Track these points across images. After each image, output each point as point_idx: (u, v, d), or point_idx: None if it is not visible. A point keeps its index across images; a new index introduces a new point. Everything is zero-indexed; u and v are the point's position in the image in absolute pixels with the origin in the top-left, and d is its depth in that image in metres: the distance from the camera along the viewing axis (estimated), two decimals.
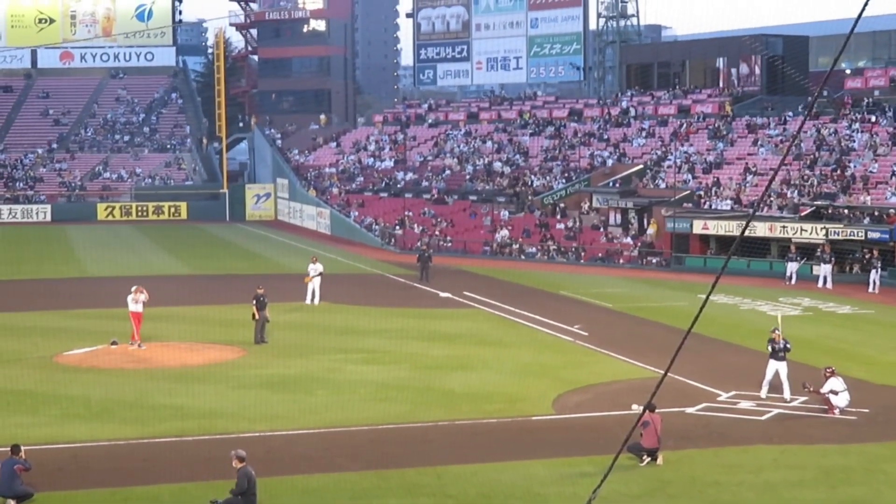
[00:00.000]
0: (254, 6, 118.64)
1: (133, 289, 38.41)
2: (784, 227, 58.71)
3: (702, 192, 66.97)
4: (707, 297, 16.51)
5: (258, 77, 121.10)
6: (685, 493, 22.99)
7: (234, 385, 32.33)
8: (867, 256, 55.97)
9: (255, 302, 38.77)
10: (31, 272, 59.69)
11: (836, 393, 28.81)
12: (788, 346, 30.54)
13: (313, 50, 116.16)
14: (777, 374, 30.31)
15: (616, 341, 39.10)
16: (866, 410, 29.07)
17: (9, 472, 21.30)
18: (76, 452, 25.46)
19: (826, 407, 28.90)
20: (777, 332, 30.73)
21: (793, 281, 55.92)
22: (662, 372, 17.99)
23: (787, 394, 30.11)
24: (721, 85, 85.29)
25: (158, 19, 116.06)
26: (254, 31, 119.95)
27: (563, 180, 76.64)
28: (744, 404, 29.92)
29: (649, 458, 24.44)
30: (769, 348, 30.61)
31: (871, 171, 63.36)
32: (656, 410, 24.55)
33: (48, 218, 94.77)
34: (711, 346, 37.43)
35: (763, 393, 30.40)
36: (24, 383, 32.04)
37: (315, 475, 23.91)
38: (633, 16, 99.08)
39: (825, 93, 75.17)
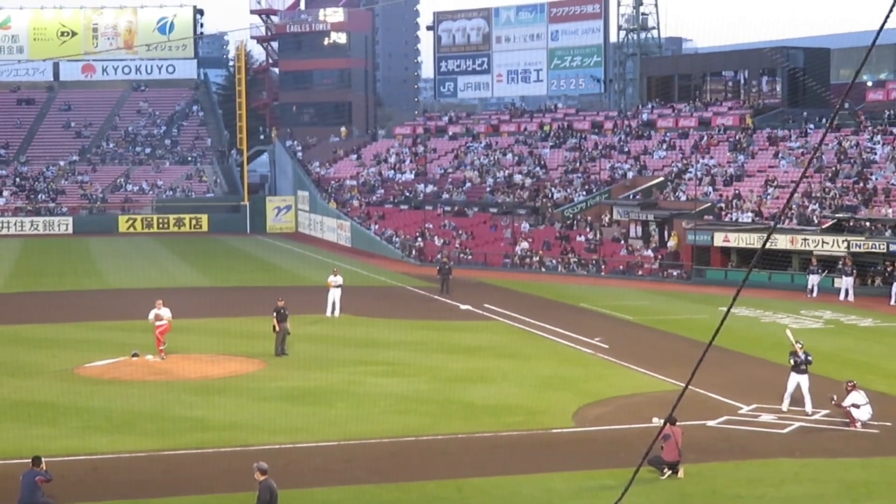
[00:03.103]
0: (275, 19, 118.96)
1: (155, 309, 38.30)
2: (805, 239, 58.50)
3: (723, 205, 66.82)
4: (728, 310, 16.48)
5: (279, 89, 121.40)
6: None
7: (254, 397, 32.34)
8: (889, 269, 55.73)
9: (275, 314, 38.79)
10: (52, 284, 59.95)
11: (857, 406, 28.68)
12: (810, 358, 30.38)
13: (334, 62, 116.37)
14: (799, 387, 30.17)
15: (637, 354, 39.00)
16: (888, 424, 28.90)
17: (30, 484, 21.34)
18: (97, 464, 25.50)
19: (848, 420, 28.76)
20: (799, 345, 30.61)
21: (814, 294, 55.71)
22: (683, 385, 17.95)
23: (808, 407, 29.95)
24: (742, 97, 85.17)
25: (180, 32, 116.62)
26: (275, 44, 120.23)
27: (584, 192, 76.59)
28: (765, 417, 29.79)
29: (670, 472, 24.36)
30: (791, 361, 30.46)
31: (892, 184, 63.11)
32: (677, 423, 24.47)
33: (70, 230, 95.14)
34: (733, 359, 37.30)
35: (785, 406, 30.25)
36: (46, 395, 32.14)
37: (335, 488, 23.90)
38: (653, 28, 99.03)
39: (846, 105, 74.97)
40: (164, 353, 37.55)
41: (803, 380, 30.12)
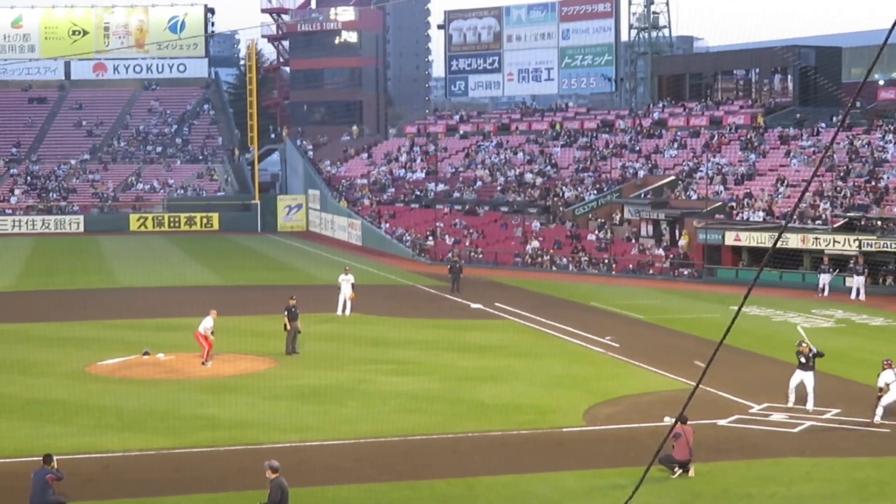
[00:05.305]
0: (286, 18, 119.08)
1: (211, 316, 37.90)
2: (817, 238, 58.38)
3: (734, 204, 66.71)
4: (739, 309, 16.47)
5: (290, 88, 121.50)
6: None
7: (265, 396, 32.39)
8: None
9: (286, 313, 38.83)
10: (63, 283, 60.01)
11: (888, 387, 28.68)
12: (821, 353, 30.43)
13: (345, 61, 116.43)
14: (802, 384, 30.22)
15: (647, 353, 38.97)
16: None
17: (41, 482, 21.38)
18: (107, 462, 25.56)
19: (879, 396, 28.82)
20: (804, 344, 30.61)
21: (825, 293, 55.59)
22: (694, 384, 17.94)
23: (810, 405, 30.01)
24: (753, 96, 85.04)
25: (191, 31, 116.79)
26: (286, 43, 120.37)
27: (595, 191, 76.50)
28: (776, 416, 29.75)
29: (681, 470, 24.35)
30: (799, 360, 30.47)
31: None
32: (688, 422, 24.46)
33: (81, 229, 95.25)
34: (743, 358, 37.26)
35: (790, 401, 30.29)
36: (57, 393, 32.25)
37: (346, 486, 23.92)
38: (664, 27, 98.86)
39: (858, 104, 74.78)
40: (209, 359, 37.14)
41: (808, 377, 30.20)
